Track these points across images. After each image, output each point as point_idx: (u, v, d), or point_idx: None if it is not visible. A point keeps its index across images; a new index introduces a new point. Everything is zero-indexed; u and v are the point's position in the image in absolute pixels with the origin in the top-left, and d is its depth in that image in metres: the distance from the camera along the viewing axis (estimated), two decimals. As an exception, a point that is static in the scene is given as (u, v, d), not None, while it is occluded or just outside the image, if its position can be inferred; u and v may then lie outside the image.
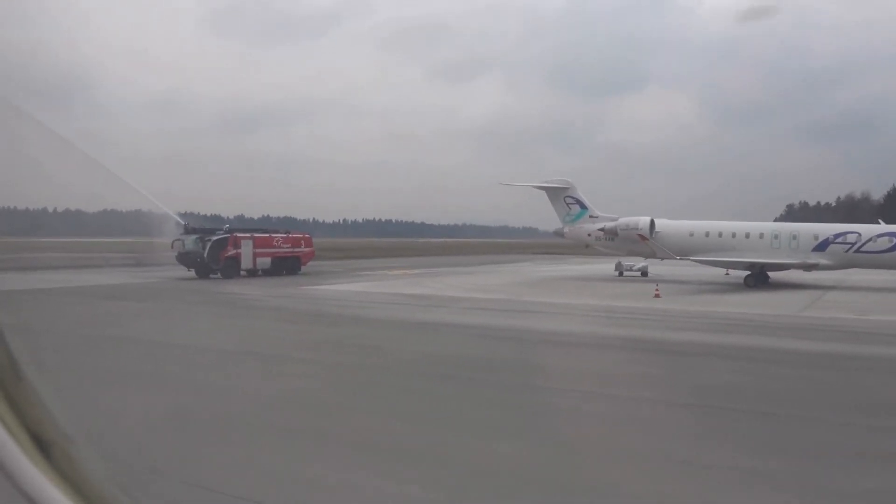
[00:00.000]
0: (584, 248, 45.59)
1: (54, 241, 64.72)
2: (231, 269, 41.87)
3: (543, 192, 45.19)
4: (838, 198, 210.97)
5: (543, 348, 17.06)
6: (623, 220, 40.47)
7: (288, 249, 45.94)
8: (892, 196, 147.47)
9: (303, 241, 47.40)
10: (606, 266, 58.46)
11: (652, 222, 39.84)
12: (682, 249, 38.07)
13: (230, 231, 42.63)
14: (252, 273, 42.90)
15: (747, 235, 38.28)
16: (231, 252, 41.80)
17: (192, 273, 41.75)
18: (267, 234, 45.10)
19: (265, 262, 44.04)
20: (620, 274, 45.27)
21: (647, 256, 42.16)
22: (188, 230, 42.45)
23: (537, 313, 24.70)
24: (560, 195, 44.22)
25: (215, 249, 40.97)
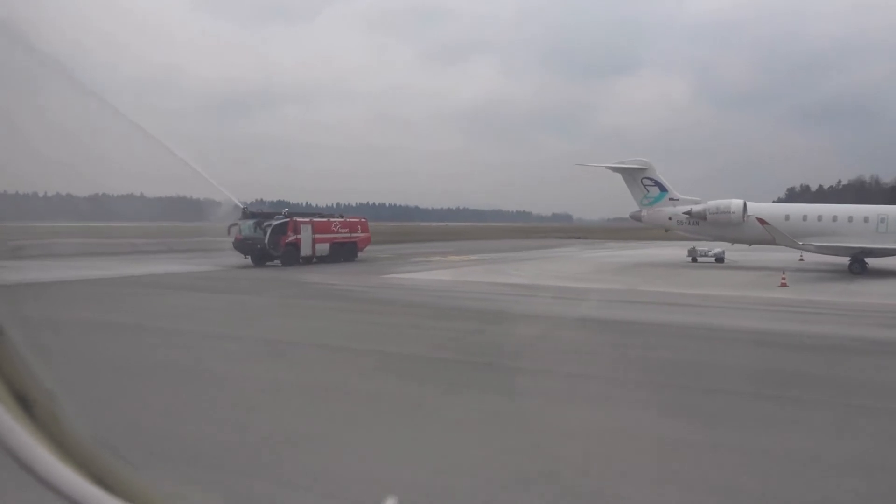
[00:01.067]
0: (663, 233, 43.12)
1: (81, 225, 61.30)
2: (291, 256, 39.18)
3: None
4: (839, 181, 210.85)
5: (787, 353, 14.65)
6: (713, 203, 38.14)
7: (346, 235, 43.26)
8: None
9: (359, 226, 44.69)
10: (660, 251, 56.68)
11: (744, 205, 37.55)
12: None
13: (289, 215, 39.80)
14: (308, 260, 40.20)
15: (850, 219, 36.06)
16: (291, 238, 39.06)
17: (248, 261, 39.09)
18: (325, 219, 42.33)
19: (323, 248, 41.37)
20: (693, 260, 43.08)
21: (733, 242, 40.02)
22: (246, 214, 39.61)
23: (697, 307, 22.26)
24: (637, 177, 41.78)
25: (276, 235, 38.21)
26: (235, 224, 39.47)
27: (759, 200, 41.12)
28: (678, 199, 41.01)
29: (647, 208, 41.54)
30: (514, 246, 69.32)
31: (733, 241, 39.53)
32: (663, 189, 41.32)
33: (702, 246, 44.16)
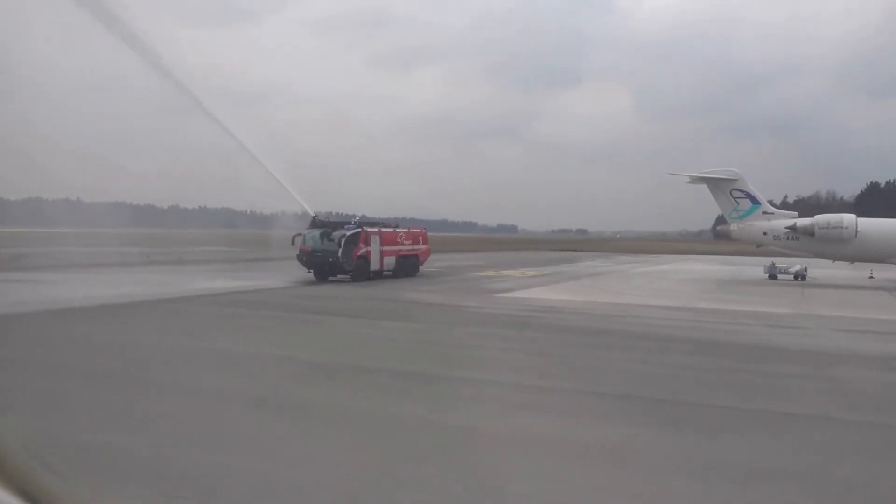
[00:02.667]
0: (754, 248, 40.81)
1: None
2: (362, 270, 34.93)
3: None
4: (784, 196, 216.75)
5: None
6: (822, 218, 35.86)
7: (409, 247, 39.22)
8: (865, 195, 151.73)
9: (420, 238, 40.65)
10: (705, 266, 54.78)
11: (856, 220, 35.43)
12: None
13: (360, 224, 35.48)
14: (376, 275, 36.04)
15: None
16: (362, 250, 34.81)
17: (311, 275, 34.72)
18: (392, 229, 38.16)
19: (390, 261, 37.25)
20: (772, 277, 40.80)
21: (835, 259, 37.90)
22: (315, 223, 35.12)
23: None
24: (725, 188, 39.22)
25: (349, 247, 33.92)
26: (300, 234, 34.96)
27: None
28: (772, 213, 38.71)
29: (738, 222, 39.02)
30: (531, 259, 66.31)
31: (837, 258, 37.39)
32: (756, 202, 38.90)
33: (780, 262, 42.02)
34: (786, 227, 37.03)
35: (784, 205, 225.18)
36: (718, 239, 46.99)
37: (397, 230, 38.46)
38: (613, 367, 14.27)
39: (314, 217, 35.30)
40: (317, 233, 34.65)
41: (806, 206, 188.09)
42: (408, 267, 38.74)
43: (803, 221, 36.35)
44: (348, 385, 12.14)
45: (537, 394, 11.75)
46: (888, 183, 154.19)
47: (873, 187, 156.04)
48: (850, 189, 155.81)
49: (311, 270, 34.75)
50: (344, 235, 33.83)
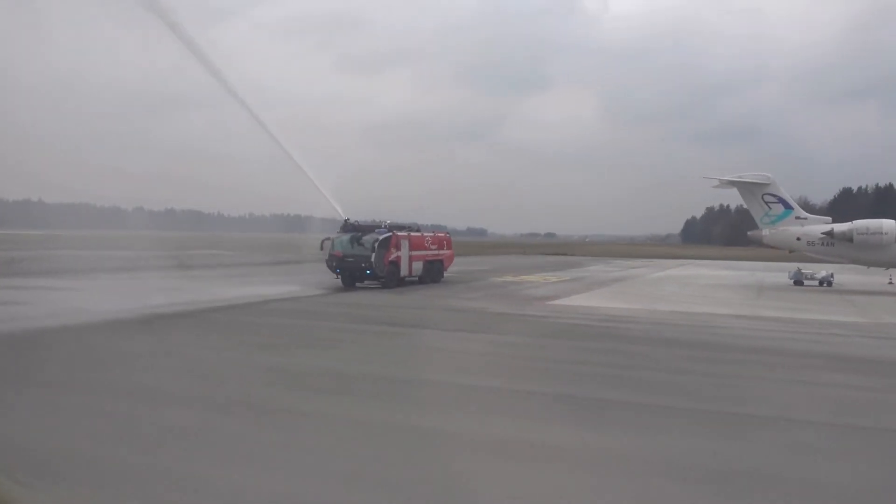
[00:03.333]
0: (787, 254, 40.12)
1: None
2: (392, 276, 33.31)
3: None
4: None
5: None
6: (861, 223, 35.22)
7: (435, 252, 37.66)
8: (837, 201, 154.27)
9: (445, 242, 39.11)
10: (721, 272, 54.13)
11: None
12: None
13: (391, 228, 33.80)
14: (402, 281, 34.47)
15: None
16: (393, 255, 33.18)
17: (339, 281, 33.00)
18: (420, 234, 36.54)
19: (418, 266, 35.68)
20: (797, 283, 40.20)
21: (870, 265, 37.35)
22: (346, 227, 33.34)
23: None
24: (757, 192, 38.44)
25: (381, 252, 32.26)
26: (329, 238, 33.16)
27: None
28: (805, 218, 38.04)
29: (770, 227, 38.25)
30: (532, 264, 65.21)
31: (874, 264, 36.84)
32: (788, 206, 38.21)
33: (806, 268, 41.44)
34: (822, 233, 36.32)
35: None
36: (750, 244, 46.03)
37: (424, 234, 36.89)
38: (794, 391, 12.81)
39: (346, 221, 33.51)
40: (346, 237, 32.95)
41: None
42: (434, 272, 37.23)
43: (841, 227, 35.70)
44: (520, 414, 10.58)
45: (758, 426, 10.32)
46: (860, 189, 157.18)
47: (846, 193, 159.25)
48: (816, 195, 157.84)
49: (339, 276, 32.99)
50: (377, 240, 32.17)
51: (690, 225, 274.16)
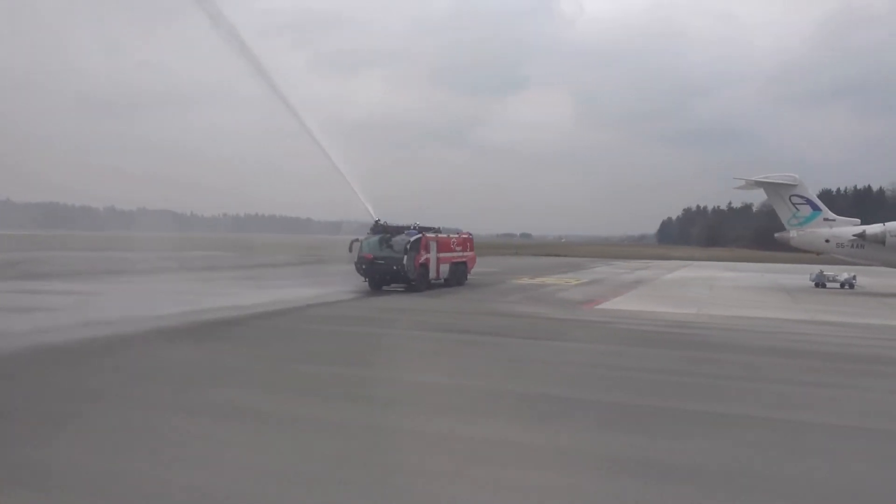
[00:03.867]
0: (815, 256, 39.65)
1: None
2: (423, 279, 32.12)
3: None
4: (729, 202, 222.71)
5: None
6: (893, 225, 34.77)
7: (460, 254, 36.51)
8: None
9: (468, 244, 37.97)
10: (728, 273, 53.79)
11: (927, 227, 34.55)
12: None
13: (421, 229, 32.54)
14: (429, 285, 33.29)
15: None
16: (423, 258, 31.98)
17: (366, 284, 31.77)
18: (446, 235, 35.33)
19: (445, 269, 34.52)
20: (818, 285, 39.84)
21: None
22: (377, 228, 32.02)
23: None
24: (784, 193, 37.92)
25: (412, 254, 31.06)
26: (357, 240, 31.81)
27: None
28: (834, 220, 37.57)
29: (797, 229, 37.75)
30: (537, 266, 64.39)
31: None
32: (816, 208, 37.74)
33: (827, 270, 41.12)
34: (853, 235, 35.89)
35: (729, 210, 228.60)
36: (777, 246, 45.54)
37: (450, 236, 35.70)
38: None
39: (376, 222, 32.17)
40: (375, 239, 31.65)
41: (761, 215, 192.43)
42: (458, 275, 36.08)
43: (873, 229, 35.28)
44: (699, 434, 9.48)
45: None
46: (839, 191, 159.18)
47: (825, 194, 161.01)
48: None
49: (367, 279, 31.68)
50: (408, 242, 30.93)
51: (666, 226, 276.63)
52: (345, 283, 31.56)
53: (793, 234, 37.90)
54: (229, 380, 12.49)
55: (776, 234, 39.51)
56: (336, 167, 29.83)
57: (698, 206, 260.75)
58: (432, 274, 32.99)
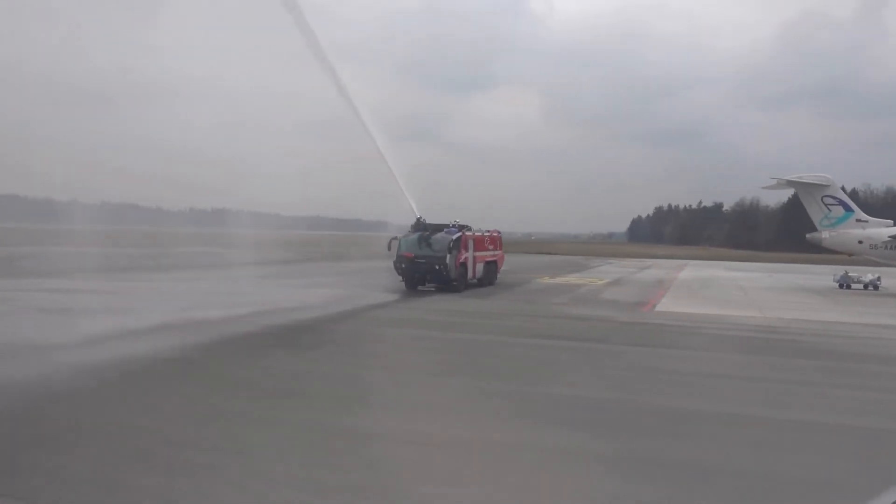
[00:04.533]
0: (847, 257, 39.35)
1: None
2: (463, 279, 30.79)
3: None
4: (700, 201, 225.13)
5: None
6: (933, 226, 34.65)
7: (492, 252, 35.23)
8: (790, 203, 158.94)
9: (498, 241, 36.71)
10: (740, 274, 53.42)
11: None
12: None
13: (460, 227, 31.15)
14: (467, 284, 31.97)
15: None
16: (463, 257, 30.64)
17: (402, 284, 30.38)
18: (481, 233, 33.97)
19: (479, 268, 33.23)
20: (842, 286, 39.62)
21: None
22: (419, 226, 30.53)
23: None
24: (816, 194, 37.53)
25: (454, 253, 29.69)
26: (396, 238, 30.29)
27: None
28: (867, 221, 37.30)
29: (829, 230, 37.41)
30: (539, 265, 63.30)
31: None
32: (849, 209, 37.44)
33: (852, 271, 40.92)
34: (889, 236, 35.64)
35: (701, 210, 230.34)
36: (808, 247, 45.19)
37: (484, 234, 34.36)
38: None
39: (418, 219, 30.67)
40: (414, 237, 30.15)
41: (733, 215, 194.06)
42: (490, 274, 34.81)
43: (912, 231, 35.13)
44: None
45: None
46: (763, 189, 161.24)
47: (797, 197, 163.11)
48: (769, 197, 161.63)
49: (404, 278, 30.21)
50: (450, 241, 29.52)
51: (637, 224, 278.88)
52: (358, 282, 30.32)
53: (825, 235, 37.54)
54: (394, 400, 11.05)
55: (808, 235, 39.12)
56: (386, 162, 28.29)
57: (670, 206, 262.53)
58: (470, 273, 31.66)
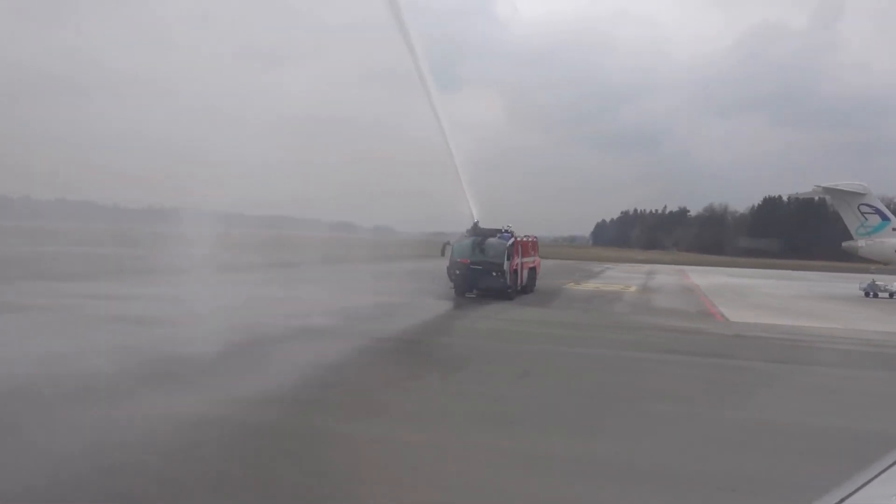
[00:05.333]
0: (883, 266, 39.14)
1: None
2: (515, 286, 29.50)
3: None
4: (665, 206, 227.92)
5: None
6: (973, 237, 34.67)
7: (533, 258, 34.04)
8: (761, 209, 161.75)
9: (537, 247, 35.52)
10: (751, 280, 53.05)
11: None
12: None
13: (511, 233, 29.82)
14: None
15: None
16: (516, 263, 29.36)
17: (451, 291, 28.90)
18: (524, 238, 32.65)
19: (524, 274, 31.98)
20: (868, 295, 39.58)
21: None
22: (476, 230, 29.09)
23: None
24: (853, 202, 37.31)
25: (510, 260, 28.40)
26: (449, 243, 28.85)
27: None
28: (905, 229, 37.23)
29: (865, 238, 37.21)
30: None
31: None
32: (885, 217, 37.28)
33: (879, 279, 40.89)
34: (929, 245, 35.63)
35: (667, 215, 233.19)
36: (844, 255, 44.98)
37: (528, 239, 33.10)
38: None
39: (475, 224, 29.21)
40: (467, 242, 28.71)
41: (701, 220, 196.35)
42: (531, 281, 33.59)
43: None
44: None
45: None
46: (790, 197, 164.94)
47: (768, 202, 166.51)
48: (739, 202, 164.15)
49: (454, 285, 28.73)
50: (505, 246, 28.18)
51: (601, 228, 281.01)
52: (395, 287, 29.07)
53: (861, 244, 37.34)
54: (623, 429, 9.67)
55: (844, 244, 38.91)
56: (454, 165, 26.87)
57: (636, 210, 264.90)
58: (520, 280, 30.40)
